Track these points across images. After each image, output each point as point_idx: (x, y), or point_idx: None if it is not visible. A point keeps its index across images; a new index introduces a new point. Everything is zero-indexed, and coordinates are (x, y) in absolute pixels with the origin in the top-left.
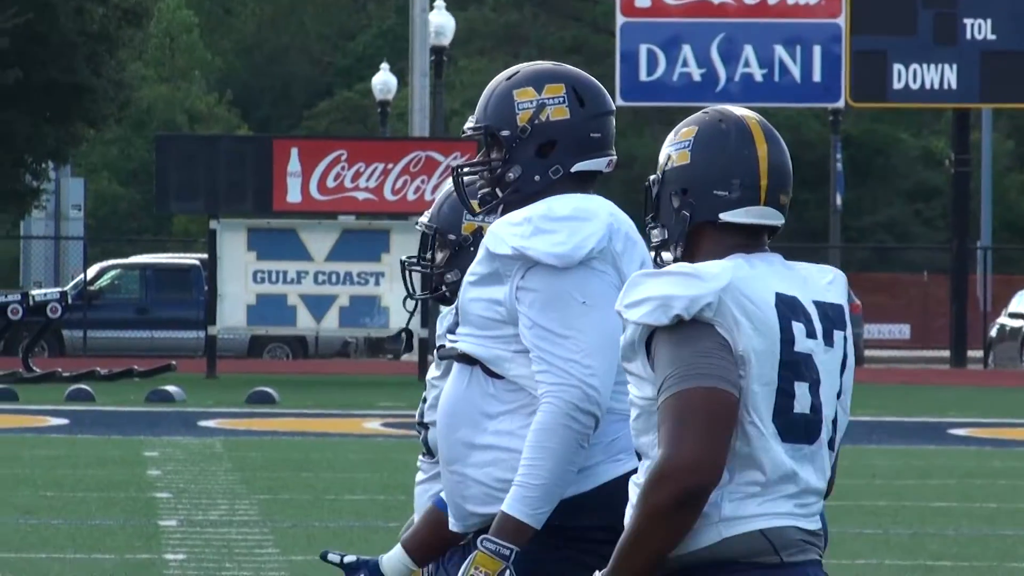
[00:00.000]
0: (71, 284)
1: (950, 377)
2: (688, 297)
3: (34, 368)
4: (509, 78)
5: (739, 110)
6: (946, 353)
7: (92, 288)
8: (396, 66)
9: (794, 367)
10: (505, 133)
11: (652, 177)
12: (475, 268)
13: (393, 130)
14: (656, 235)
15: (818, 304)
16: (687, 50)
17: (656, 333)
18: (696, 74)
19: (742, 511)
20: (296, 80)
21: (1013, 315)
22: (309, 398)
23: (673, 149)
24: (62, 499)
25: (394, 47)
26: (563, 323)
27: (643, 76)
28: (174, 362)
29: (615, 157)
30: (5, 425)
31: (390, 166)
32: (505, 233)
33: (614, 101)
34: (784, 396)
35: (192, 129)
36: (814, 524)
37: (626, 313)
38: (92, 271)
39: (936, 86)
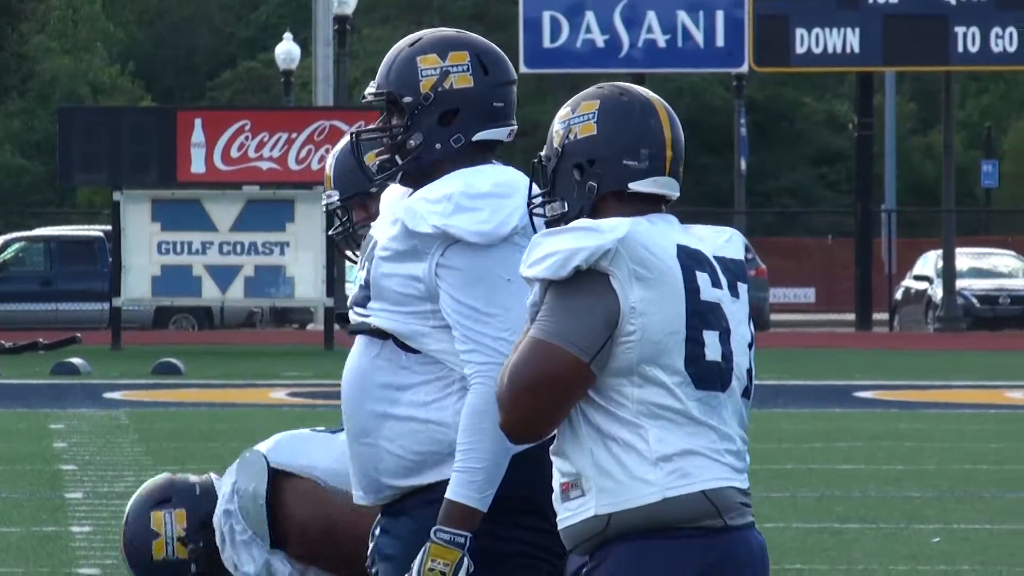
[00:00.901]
0: None
1: (856, 340)
2: (590, 248)
3: None
4: (412, 44)
5: (633, 86)
6: (851, 316)
7: None
8: (299, 36)
9: (702, 316)
10: (408, 99)
11: (543, 153)
12: (389, 244)
13: (297, 100)
14: (554, 209)
15: (719, 259)
16: (590, 16)
17: (550, 285)
18: (600, 40)
19: (681, 470)
20: (199, 50)
21: (918, 278)
22: (215, 368)
23: (574, 122)
24: None
25: (297, 16)
26: (488, 301)
27: (547, 43)
28: (79, 334)
29: (516, 127)
30: None
31: (294, 136)
32: (424, 210)
33: (517, 69)
34: (695, 344)
35: (95, 101)
36: (746, 482)
37: (529, 272)
38: None
39: (839, 50)
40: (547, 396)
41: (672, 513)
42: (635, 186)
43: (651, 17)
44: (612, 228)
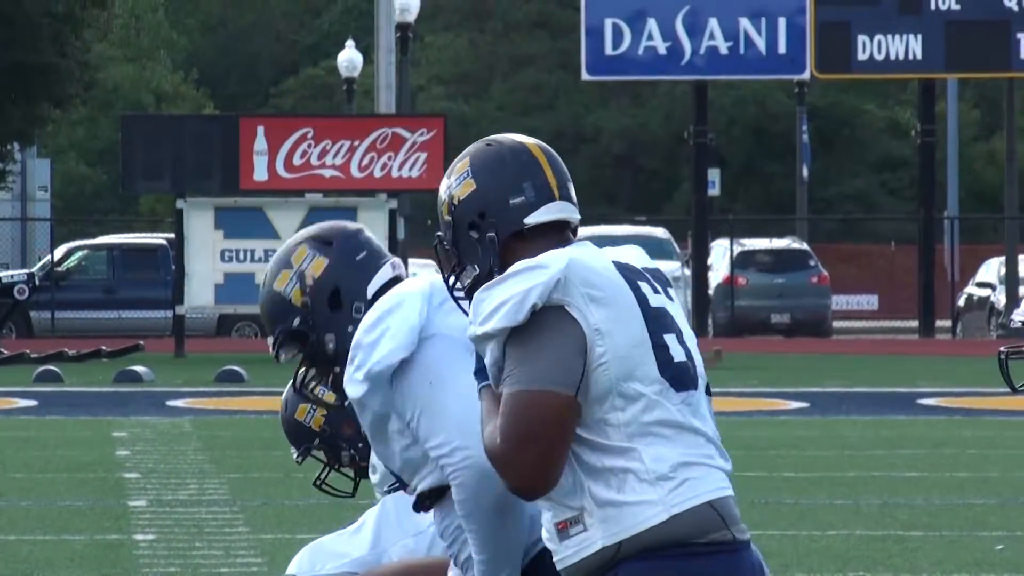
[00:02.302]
0: (38, 265)
1: (918, 347)
2: (540, 284)
3: (1, 350)
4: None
5: (501, 135)
6: (914, 323)
7: (59, 269)
8: (362, 43)
9: (658, 321)
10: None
11: (438, 236)
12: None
13: (359, 107)
14: (467, 276)
15: (644, 269)
16: (652, 24)
17: (510, 336)
18: (662, 47)
19: (682, 483)
20: (262, 58)
21: (980, 284)
22: (278, 376)
23: (453, 187)
24: (31, 480)
25: (359, 24)
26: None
27: (608, 50)
28: (142, 342)
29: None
30: None
31: (356, 143)
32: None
33: (579, 76)
34: (661, 349)
35: (158, 108)
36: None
37: (483, 328)
38: (59, 252)
39: (901, 56)
40: (548, 443)
41: (682, 529)
42: (531, 219)
43: (713, 24)
44: (553, 259)
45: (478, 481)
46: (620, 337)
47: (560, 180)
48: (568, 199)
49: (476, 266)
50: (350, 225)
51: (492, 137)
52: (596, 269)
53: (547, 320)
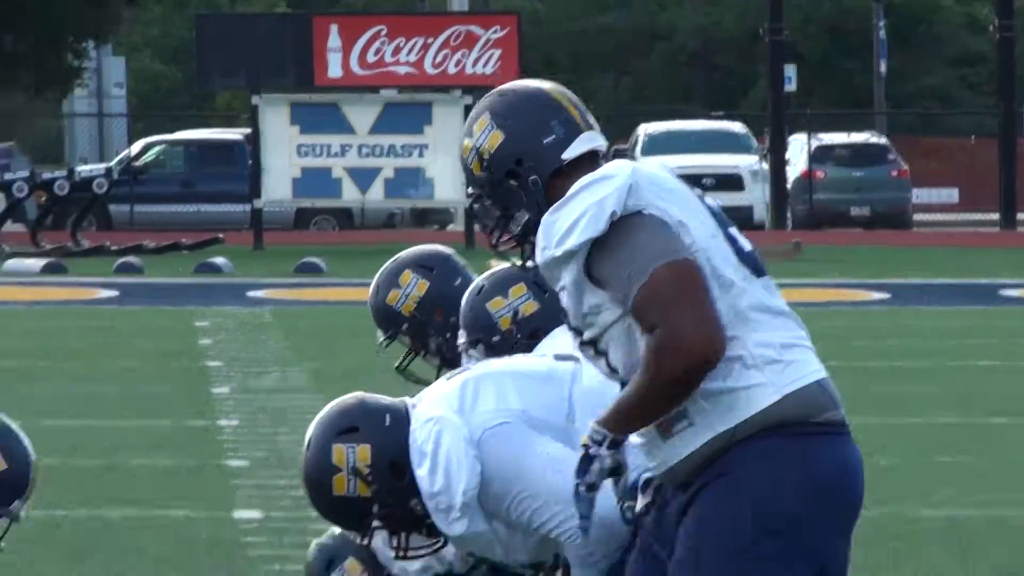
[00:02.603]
0: (115, 160)
1: (1000, 239)
2: (614, 190)
3: (82, 242)
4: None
5: (505, 84)
6: (995, 216)
7: (137, 164)
8: None
9: (718, 216)
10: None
11: (470, 193)
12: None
13: (431, 5)
14: (517, 222)
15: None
16: None
17: (594, 252)
18: None
19: (789, 365)
20: None
21: None
22: (356, 268)
23: (480, 141)
24: (114, 368)
25: None
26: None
27: None
28: (221, 235)
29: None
30: (55, 297)
31: (430, 41)
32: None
33: None
34: (731, 240)
35: (231, 7)
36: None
37: (562, 248)
38: (136, 147)
39: None
40: (698, 302)
41: (795, 409)
42: (568, 154)
43: None
44: (616, 169)
45: (597, 534)
46: (698, 230)
47: (580, 112)
48: (592, 127)
49: (525, 211)
50: (349, 401)
51: (501, 87)
52: (657, 172)
53: (630, 225)
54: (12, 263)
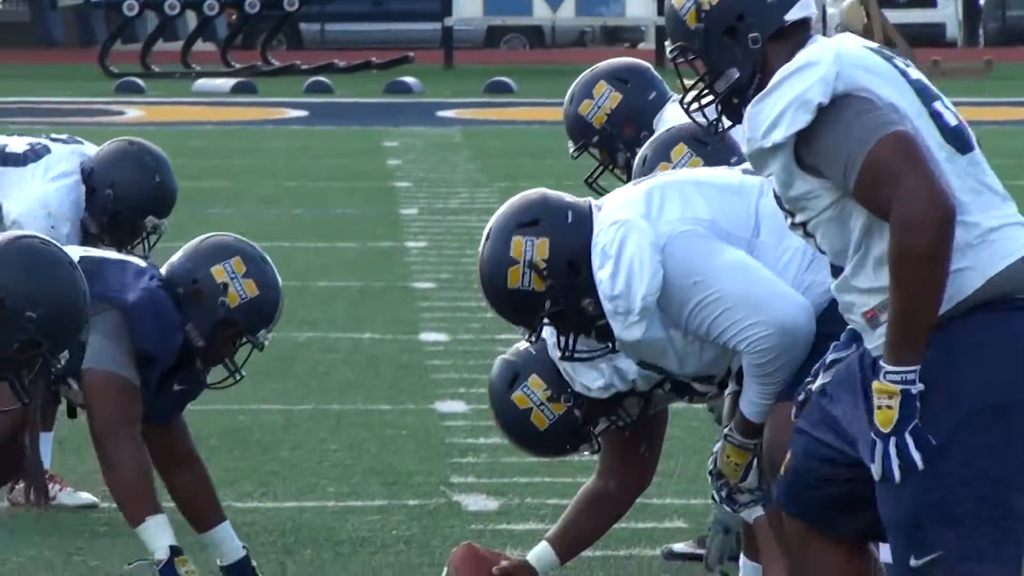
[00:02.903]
0: None
1: None
2: (819, 79)
3: (272, 61)
4: None
5: None
6: None
7: None
8: None
9: (923, 93)
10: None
11: (677, 47)
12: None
13: None
14: (727, 79)
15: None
16: None
17: (804, 138)
18: None
19: (994, 241)
20: None
21: None
22: (546, 87)
23: None
24: (303, 189)
25: None
26: None
27: None
28: (411, 53)
29: None
30: (245, 117)
31: None
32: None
33: None
34: (935, 117)
35: None
36: None
37: (768, 141)
38: None
39: None
40: (924, 164)
41: (1000, 287)
42: (791, 15)
43: None
44: (820, 53)
45: (780, 342)
46: (906, 110)
47: None
48: None
49: (736, 70)
50: (532, 195)
51: None
52: (860, 52)
53: (839, 109)
54: (202, 83)
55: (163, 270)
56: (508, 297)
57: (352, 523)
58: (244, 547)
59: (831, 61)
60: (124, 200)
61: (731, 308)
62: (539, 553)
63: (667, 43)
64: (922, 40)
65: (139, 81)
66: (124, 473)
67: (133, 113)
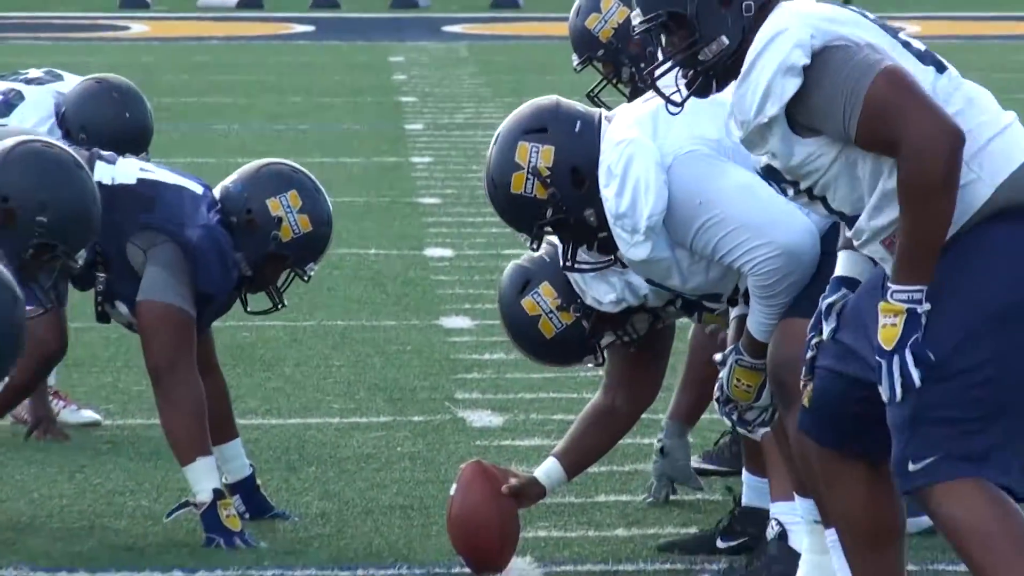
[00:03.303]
0: None
1: None
2: (794, 45)
3: None
4: None
5: None
6: None
7: None
8: None
9: (885, 27)
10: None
11: (660, 14)
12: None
13: None
14: (719, 45)
15: None
16: None
17: (796, 103)
18: None
19: (991, 151)
20: None
21: None
22: (552, 3)
23: None
24: (308, 104)
25: None
26: None
27: None
28: None
29: None
30: (251, 33)
31: None
32: None
33: None
34: (907, 46)
35: None
36: None
37: (763, 116)
38: None
39: None
40: (923, 94)
41: (1010, 194)
42: None
43: None
44: (787, 19)
45: (785, 263)
46: (884, 47)
47: None
48: None
49: (726, 37)
50: (544, 102)
51: None
52: (822, 7)
53: (823, 62)
54: None
55: (216, 192)
56: (510, 202)
57: (357, 440)
58: (251, 465)
59: (800, 23)
60: (98, 141)
61: (736, 229)
62: (547, 469)
63: (635, 12)
64: None
65: None
66: (181, 409)
67: (138, 28)
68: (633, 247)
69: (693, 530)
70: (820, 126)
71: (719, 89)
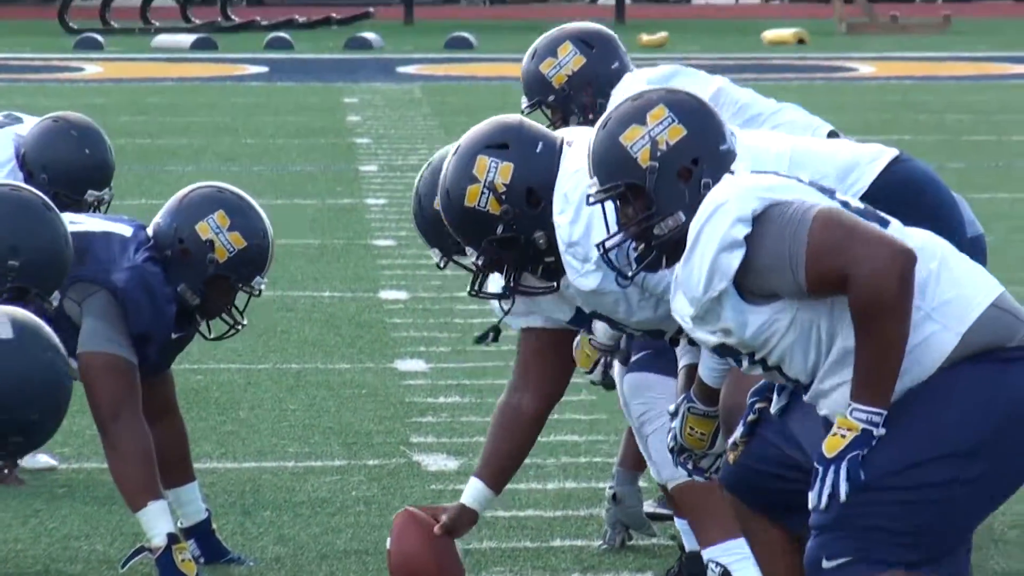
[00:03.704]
0: None
1: None
2: (734, 220)
3: (232, 17)
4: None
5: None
6: None
7: None
8: None
9: (822, 189)
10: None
11: (617, 184)
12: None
13: None
14: (675, 221)
15: None
16: None
17: (743, 270)
18: None
19: (952, 297)
20: None
21: None
22: (508, 42)
23: (657, 131)
24: (263, 146)
25: None
26: None
27: None
28: (372, 9)
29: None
30: (205, 73)
31: None
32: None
33: None
34: (845, 205)
35: None
36: None
37: (713, 291)
38: None
39: None
40: (862, 225)
41: (982, 341)
42: (735, 167)
43: None
44: (726, 192)
45: None
46: (817, 195)
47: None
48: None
49: (683, 213)
50: (508, 119)
51: (663, 87)
52: (757, 177)
53: (762, 225)
54: (162, 38)
55: (149, 230)
56: (462, 214)
57: (312, 484)
58: (207, 509)
59: (739, 195)
60: (59, 181)
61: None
62: (472, 492)
63: (591, 182)
64: None
65: (98, 37)
66: (127, 456)
67: (92, 69)
68: (582, 276)
69: (649, 575)
70: (770, 285)
71: (668, 265)
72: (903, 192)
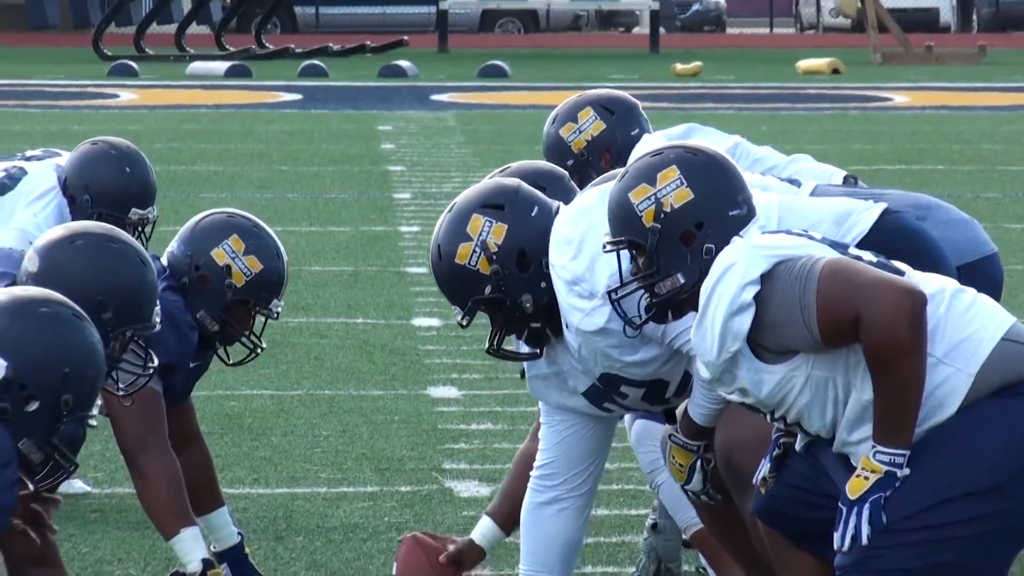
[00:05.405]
0: None
1: None
2: (743, 282)
3: (267, 45)
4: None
5: (685, 141)
6: None
7: None
8: None
9: (834, 245)
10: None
11: (623, 240)
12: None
13: None
14: (673, 283)
15: None
16: None
17: (755, 327)
18: None
19: (964, 338)
20: None
21: None
22: (541, 72)
23: (663, 193)
24: (297, 173)
25: None
26: None
27: None
28: (406, 37)
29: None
30: (239, 101)
31: None
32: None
33: None
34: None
35: None
36: None
37: (726, 352)
38: None
39: None
40: (870, 270)
41: (992, 380)
42: (744, 234)
43: None
44: (735, 254)
45: None
46: (824, 247)
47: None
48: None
49: (682, 276)
50: (506, 182)
51: (684, 143)
52: (768, 240)
53: (771, 283)
54: (196, 66)
55: (164, 259)
56: (452, 271)
57: (344, 509)
58: (240, 533)
59: (747, 257)
60: (102, 201)
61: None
62: (483, 529)
63: (605, 234)
64: (916, 25)
65: (133, 64)
66: (157, 485)
67: (127, 96)
68: (588, 316)
69: None
70: (784, 339)
71: (675, 319)
72: (897, 237)
